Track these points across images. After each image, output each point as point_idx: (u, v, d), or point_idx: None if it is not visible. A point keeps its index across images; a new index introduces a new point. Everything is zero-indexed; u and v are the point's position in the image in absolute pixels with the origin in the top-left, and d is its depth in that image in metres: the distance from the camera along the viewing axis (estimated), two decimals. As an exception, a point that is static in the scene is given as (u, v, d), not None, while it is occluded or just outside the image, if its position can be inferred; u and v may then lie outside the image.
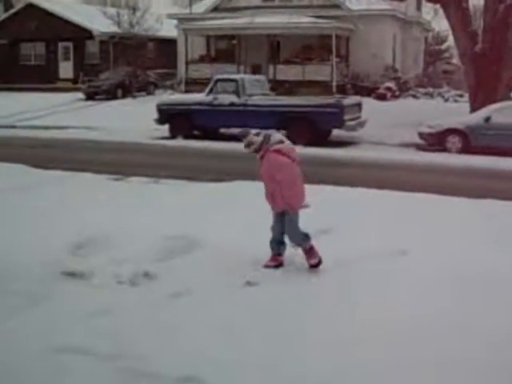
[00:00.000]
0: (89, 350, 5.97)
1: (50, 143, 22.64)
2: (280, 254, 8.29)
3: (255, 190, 12.50)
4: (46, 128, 27.34)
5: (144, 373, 5.57)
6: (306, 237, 8.12)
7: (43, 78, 45.34)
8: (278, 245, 8.26)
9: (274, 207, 8.25)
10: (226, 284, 7.61)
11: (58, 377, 5.53)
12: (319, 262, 8.09)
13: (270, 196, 8.15)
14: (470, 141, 19.71)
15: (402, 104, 31.12)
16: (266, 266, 8.18)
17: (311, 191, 12.32)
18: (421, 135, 20.82)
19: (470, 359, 5.71)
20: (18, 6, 49.63)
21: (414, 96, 34.21)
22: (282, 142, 8.09)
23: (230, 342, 6.14)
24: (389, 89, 33.35)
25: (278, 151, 7.92)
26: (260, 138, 8.03)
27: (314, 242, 8.22)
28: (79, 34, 45.24)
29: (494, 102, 20.76)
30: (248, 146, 8.12)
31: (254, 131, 8.18)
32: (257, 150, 8.07)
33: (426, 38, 45.80)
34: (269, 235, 8.66)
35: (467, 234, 9.32)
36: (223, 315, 6.76)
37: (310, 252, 8.12)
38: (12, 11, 49.35)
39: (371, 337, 6.16)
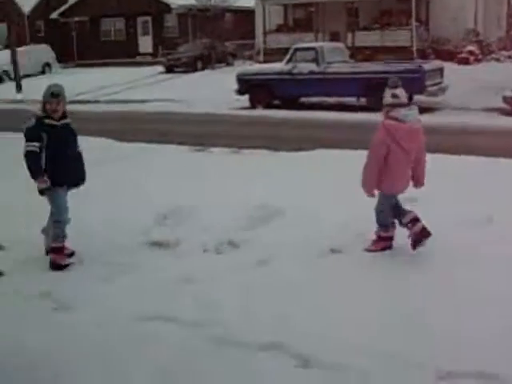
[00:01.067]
0: (175, 318, 6.10)
1: (133, 116, 23.04)
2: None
3: (336, 157, 12.58)
4: (128, 102, 27.78)
5: (228, 340, 5.65)
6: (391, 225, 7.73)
7: (123, 53, 45.93)
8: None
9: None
10: (310, 251, 7.63)
11: (145, 344, 5.65)
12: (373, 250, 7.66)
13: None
14: (556, 104, 19.19)
15: (485, 68, 30.35)
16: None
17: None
18: (505, 99, 20.32)
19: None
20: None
21: (498, 59, 33.25)
22: (400, 120, 7.21)
23: (314, 309, 6.17)
24: (471, 53, 32.53)
25: (386, 128, 7.25)
26: (391, 100, 7.33)
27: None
28: (157, 8, 45.59)
29: None
30: (391, 96, 7.37)
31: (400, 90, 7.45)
32: (384, 106, 7.41)
33: (508, -1, 44.47)
34: (350, 203, 8.69)
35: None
36: (307, 282, 6.79)
37: (379, 239, 7.78)
38: (92, -12, 50.04)
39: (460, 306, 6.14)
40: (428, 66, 22.42)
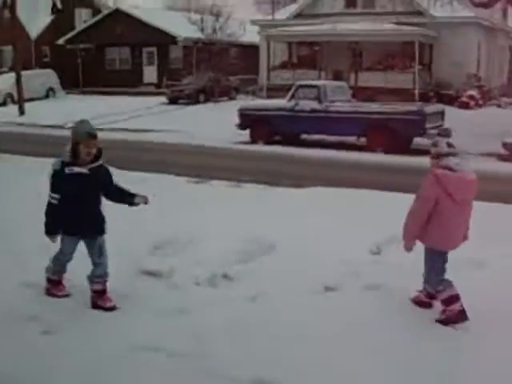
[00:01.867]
0: (165, 349, 6.07)
1: (134, 145, 23.09)
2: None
3: (334, 195, 12.61)
4: (130, 131, 27.90)
5: (218, 373, 5.62)
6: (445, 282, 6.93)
7: (128, 82, 46.22)
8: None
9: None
10: (303, 288, 7.61)
11: (135, 374, 5.64)
12: (448, 321, 6.78)
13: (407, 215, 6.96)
14: (556, 152, 19.26)
15: (486, 113, 30.52)
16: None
17: (392, 199, 12.30)
18: (505, 145, 20.40)
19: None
20: (105, 11, 50.88)
21: (499, 105, 33.50)
22: (452, 169, 6.74)
23: (306, 347, 6.14)
24: (472, 97, 32.73)
25: (437, 177, 6.72)
26: (447, 149, 6.85)
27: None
28: (163, 40, 45.92)
29: None
30: (433, 145, 6.97)
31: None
32: (432, 157, 6.96)
33: (510, 47, 44.83)
34: (346, 241, 8.71)
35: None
36: (300, 320, 6.75)
37: (446, 301, 6.87)
38: (99, 17, 50.49)
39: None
40: (429, 108, 22.56)
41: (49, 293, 7.46)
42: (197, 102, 37.25)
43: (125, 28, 46.89)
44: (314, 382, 5.48)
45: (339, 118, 22.21)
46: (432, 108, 23.03)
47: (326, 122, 22.44)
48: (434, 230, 6.76)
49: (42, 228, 7.11)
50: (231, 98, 38.72)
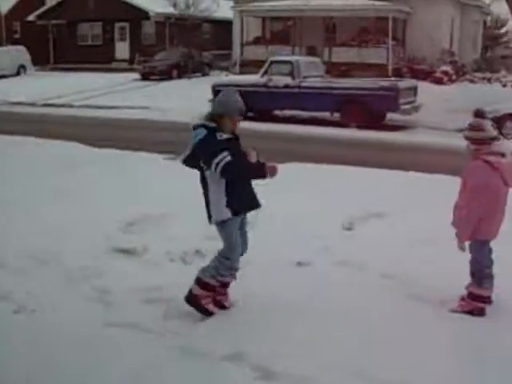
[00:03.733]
0: (139, 326, 6.07)
1: (106, 122, 22.92)
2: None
3: (308, 171, 12.62)
4: (102, 107, 27.67)
5: (191, 350, 5.62)
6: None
7: (100, 58, 45.80)
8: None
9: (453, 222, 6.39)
10: (276, 263, 7.63)
11: (108, 351, 5.62)
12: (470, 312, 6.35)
13: (458, 209, 6.33)
14: (527, 126, 19.37)
15: (459, 88, 30.64)
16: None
17: (365, 174, 12.34)
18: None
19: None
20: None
21: (471, 81, 33.57)
22: (502, 155, 6.20)
23: (274, 320, 6.18)
24: (445, 73, 32.81)
25: (494, 166, 6.07)
26: (496, 133, 6.22)
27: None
28: (136, 15, 45.49)
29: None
30: (476, 129, 6.24)
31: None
32: (476, 142, 6.23)
33: (484, 22, 44.90)
34: (320, 217, 8.70)
35: None
36: (272, 295, 6.76)
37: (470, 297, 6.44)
38: (70, -8, 49.94)
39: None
40: (402, 84, 22.64)
41: (196, 305, 6.29)
42: (170, 78, 37.02)
43: (97, 3, 46.40)
44: (286, 354, 5.49)
45: (313, 94, 22.21)
46: (405, 83, 23.11)
47: (299, 98, 22.44)
48: (485, 222, 6.18)
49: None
50: (205, 74, 38.50)
